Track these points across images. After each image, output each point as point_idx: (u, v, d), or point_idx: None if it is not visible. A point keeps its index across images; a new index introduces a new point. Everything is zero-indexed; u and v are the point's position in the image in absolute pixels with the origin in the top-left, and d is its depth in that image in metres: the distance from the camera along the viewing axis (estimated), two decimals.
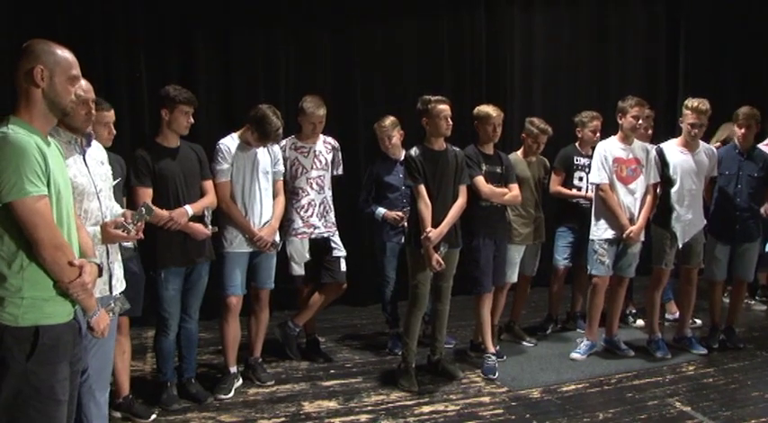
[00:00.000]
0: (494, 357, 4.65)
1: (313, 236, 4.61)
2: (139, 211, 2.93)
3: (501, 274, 4.78)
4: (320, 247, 4.66)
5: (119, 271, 3.08)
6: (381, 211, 4.87)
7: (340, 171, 4.80)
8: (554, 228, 5.30)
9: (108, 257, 2.97)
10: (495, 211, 4.62)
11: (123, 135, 5.10)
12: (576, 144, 5.34)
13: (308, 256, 4.61)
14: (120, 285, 3.08)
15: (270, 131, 4.08)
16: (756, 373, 4.65)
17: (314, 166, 4.59)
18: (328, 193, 4.68)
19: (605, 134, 4.94)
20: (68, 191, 2.31)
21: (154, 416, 3.85)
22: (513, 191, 4.63)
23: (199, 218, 3.93)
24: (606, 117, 5.20)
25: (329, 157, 4.67)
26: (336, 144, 4.76)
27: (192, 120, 3.89)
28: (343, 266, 4.71)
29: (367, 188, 4.98)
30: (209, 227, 3.95)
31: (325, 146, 4.68)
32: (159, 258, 3.84)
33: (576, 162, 5.26)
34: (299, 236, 4.58)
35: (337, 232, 4.74)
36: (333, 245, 4.68)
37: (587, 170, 5.18)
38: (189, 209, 3.85)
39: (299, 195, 4.58)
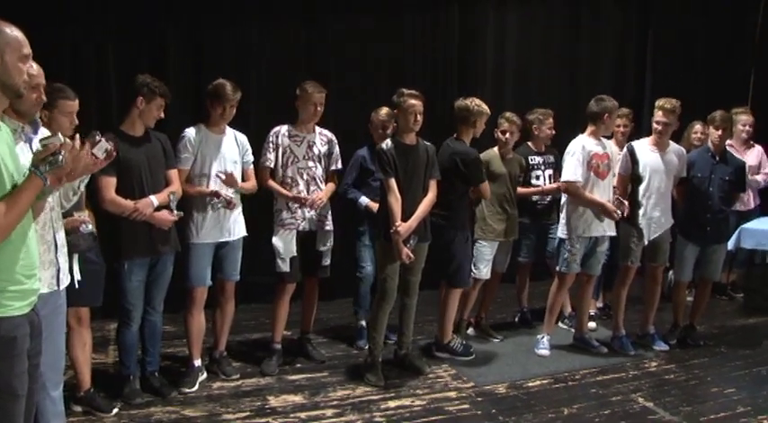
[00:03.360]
0: (458, 340, 4.83)
1: (300, 228, 4.51)
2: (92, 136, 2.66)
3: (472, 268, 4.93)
4: (307, 241, 4.56)
5: (65, 264, 2.99)
6: (365, 200, 4.83)
7: (338, 166, 4.67)
8: None
9: (56, 251, 2.89)
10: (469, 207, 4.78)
11: (90, 124, 4.99)
12: (529, 143, 5.38)
13: (294, 251, 4.49)
14: (66, 279, 3.00)
15: (226, 92, 4.06)
16: (716, 369, 4.76)
17: (306, 157, 4.50)
18: (321, 187, 4.55)
19: (574, 131, 4.95)
20: (21, 175, 2.20)
21: (116, 410, 3.79)
22: None
23: (164, 206, 3.86)
24: (577, 115, 5.23)
25: (324, 149, 4.56)
26: (333, 137, 4.66)
27: (162, 114, 3.85)
28: (326, 261, 4.66)
29: (350, 173, 4.94)
30: (175, 212, 3.88)
31: (320, 138, 4.57)
32: (123, 249, 3.76)
33: (530, 161, 5.29)
34: (286, 227, 4.47)
35: (330, 225, 4.61)
36: (319, 239, 4.58)
37: (543, 168, 5.27)
38: (154, 199, 3.79)
39: (289, 185, 4.47)
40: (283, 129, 4.51)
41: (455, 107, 4.63)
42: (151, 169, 3.84)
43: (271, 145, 4.47)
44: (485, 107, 4.61)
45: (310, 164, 4.51)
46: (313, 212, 4.48)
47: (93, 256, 3.54)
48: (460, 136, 4.60)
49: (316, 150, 4.53)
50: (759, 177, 6.21)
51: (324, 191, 4.52)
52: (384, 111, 4.88)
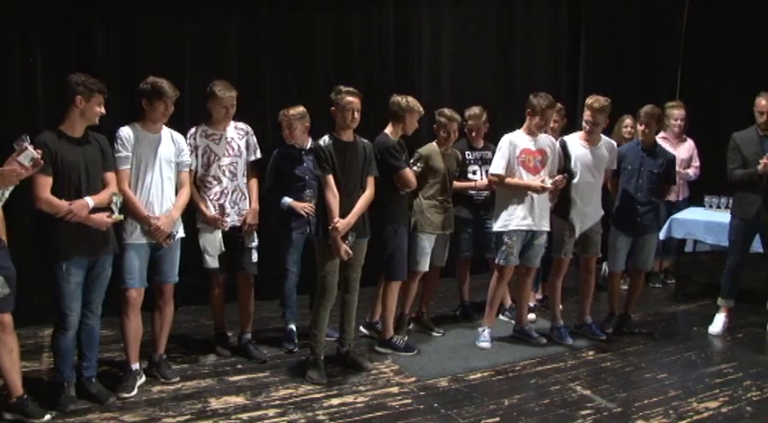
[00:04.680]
0: (398, 337, 4.86)
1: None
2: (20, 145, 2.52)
3: (411, 262, 4.91)
4: (233, 237, 4.56)
5: None
6: (287, 200, 4.82)
7: (258, 155, 4.68)
8: None
9: None
10: (406, 199, 4.77)
11: (17, 124, 4.86)
12: (467, 138, 5.44)
13: (222, 247, 4.50)
14: None
15: (165, 88, 4.00)
16: (649, 356, 4.91)
17: (226, 153, 4.49)
18: (242, 181, 4.58)
19: (509, 128, 5.03)
20: None
21: (48, 416, 3.68)
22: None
23: (105, 207, 3.77)
24: (511, 112, 5.31)
25: (242, 143, 4.57)
26: (248, 128, 4.66)
27: (103, 110, 3.77)
28: (255, 257, 4.65)
29: (270, 175, 4.93)
30: (115, 214, 3.80)
31: (237, 132, 4.58)
32: (61, 249, 3.66)
33: (467, 156, 5.36)
34: (210, 225, 4.46)
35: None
36: (244, 236, 4.59)
37: (480, 163, 5.35)
38: (90, 201, 3.70)
39: (212, 183, 4.47)
40: (198, 129, 4.50)
41: (390, 102, 4.69)
42: (88, 171, 3.75)
43: (189, 148, 4.42)
44: (418, 106, 4.66)
45: (231, 160, 4.52)
46: (234, 210, 4.53)
47: (2, 262, 3.45)
48: (389, 130, 4.66)
49: (235, 146, 4.55)
50: (690, 170, 6.46)
51: (251, 208, 4.59)
52: (293, 110, 4.87)
